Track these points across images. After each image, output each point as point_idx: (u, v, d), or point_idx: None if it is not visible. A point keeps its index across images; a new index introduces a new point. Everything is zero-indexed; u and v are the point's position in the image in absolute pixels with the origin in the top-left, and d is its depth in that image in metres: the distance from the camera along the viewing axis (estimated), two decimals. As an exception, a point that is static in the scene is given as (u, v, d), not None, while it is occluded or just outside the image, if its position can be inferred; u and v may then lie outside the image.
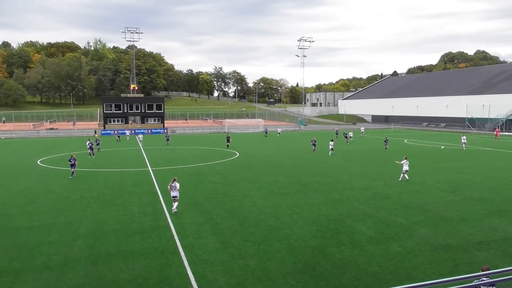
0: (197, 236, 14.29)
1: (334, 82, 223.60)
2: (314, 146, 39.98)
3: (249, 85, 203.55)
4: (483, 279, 7.03)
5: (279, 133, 66.11)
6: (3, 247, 13.30)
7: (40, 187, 23.48)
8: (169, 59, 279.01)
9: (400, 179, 24.30)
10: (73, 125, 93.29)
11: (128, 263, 11.90)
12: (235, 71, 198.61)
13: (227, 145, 45.07)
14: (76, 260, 12.18)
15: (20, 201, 19.93)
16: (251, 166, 31.13)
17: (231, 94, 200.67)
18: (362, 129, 67.20)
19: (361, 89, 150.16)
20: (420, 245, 13.18)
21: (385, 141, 42.93)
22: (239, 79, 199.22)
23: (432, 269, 11.26)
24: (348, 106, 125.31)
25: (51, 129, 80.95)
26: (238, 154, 39.13)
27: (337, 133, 57.21)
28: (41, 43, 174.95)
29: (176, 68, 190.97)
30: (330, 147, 38.04)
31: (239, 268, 11.49)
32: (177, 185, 17.21)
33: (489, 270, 7.32)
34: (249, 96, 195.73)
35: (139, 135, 54.82)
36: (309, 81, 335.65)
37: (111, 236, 14.44)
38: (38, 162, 34.47)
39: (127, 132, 63.69)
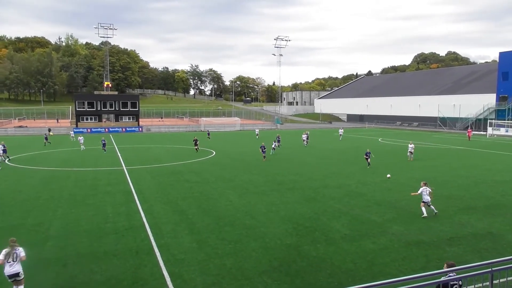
0: (173, 236, 14.11)
1: (310, 81, 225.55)
2: (264, 152, 33.24)
3: (225, 83, 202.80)
4: (450, 275, 7.23)
5: (257, 134, 63.38)
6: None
7: (7, 187, 22.63)
8: (144, 56, 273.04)
9: (430, 214, 16.33)
10: (57, 122, 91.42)
11: (101, 264, 11.61)
12: (211, 69, 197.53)
13: (196, 149, 39.20)
14: (46, 262, 11.80)
15: (-14, 202, 19.15)
16: (227, 165, 31.01)
17: (208, 93, 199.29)
18: (341, 131, 58.75)
19: (337, 88, 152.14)
20: (393, 241, 13.44)
21: (366, 155, 29.82)
22: (216, 77, 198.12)
23: (405, 265, 11.50)
24: (324, 105, 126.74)
25: (20, 127, 78.22)
26: (214, 152, 38.91)
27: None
28: (8, 38, 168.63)
29: (151, 65, 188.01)
30: (272, 146, 38.94)
31: (215, 267, 11.41)
32: (20, 252, 9.57)
33: (454, 266, 7.55)
34: (225, 95, 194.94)
35: (79, 137, 45.45)
36: (286, 80, 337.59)
37: (83, 237, 14.06)
38: (6, 161, 33.28)
39: (72, 133, 57.48)
